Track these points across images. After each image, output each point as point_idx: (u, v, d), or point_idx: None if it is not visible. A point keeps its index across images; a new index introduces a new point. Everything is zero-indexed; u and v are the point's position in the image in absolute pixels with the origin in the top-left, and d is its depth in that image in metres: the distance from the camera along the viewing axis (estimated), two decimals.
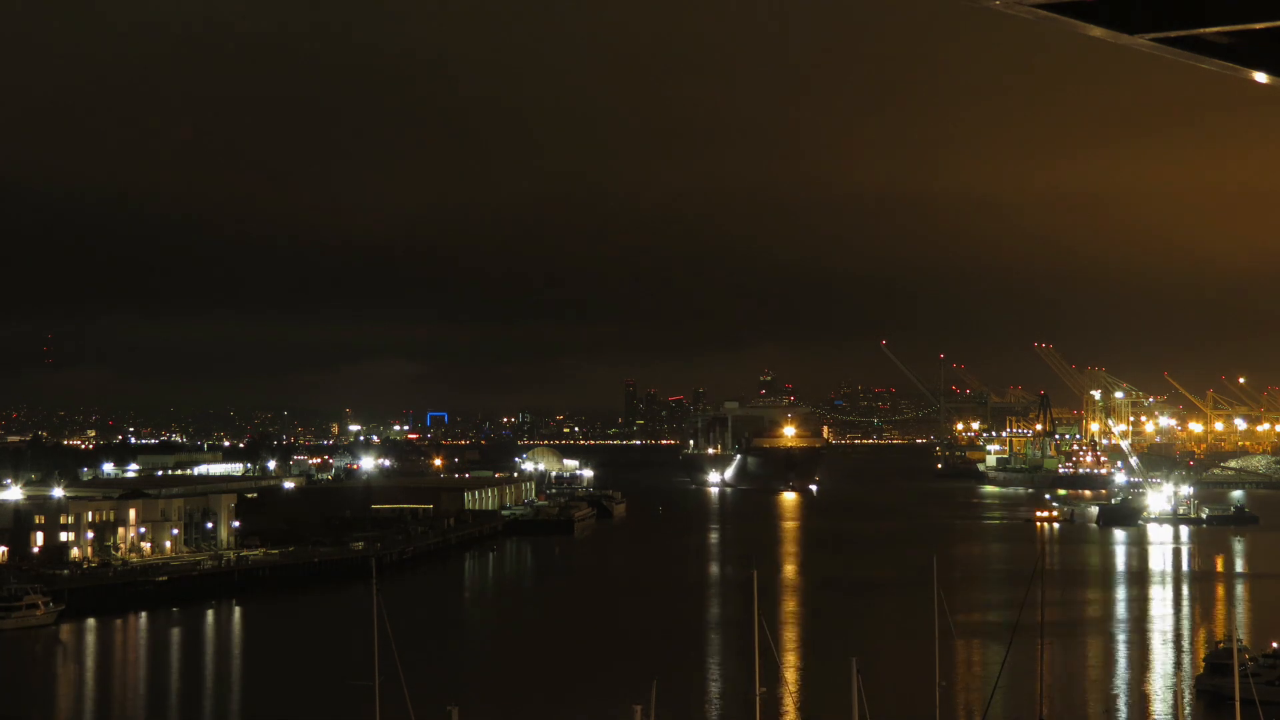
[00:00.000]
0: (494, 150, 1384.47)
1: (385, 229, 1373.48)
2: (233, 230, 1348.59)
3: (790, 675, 66.61)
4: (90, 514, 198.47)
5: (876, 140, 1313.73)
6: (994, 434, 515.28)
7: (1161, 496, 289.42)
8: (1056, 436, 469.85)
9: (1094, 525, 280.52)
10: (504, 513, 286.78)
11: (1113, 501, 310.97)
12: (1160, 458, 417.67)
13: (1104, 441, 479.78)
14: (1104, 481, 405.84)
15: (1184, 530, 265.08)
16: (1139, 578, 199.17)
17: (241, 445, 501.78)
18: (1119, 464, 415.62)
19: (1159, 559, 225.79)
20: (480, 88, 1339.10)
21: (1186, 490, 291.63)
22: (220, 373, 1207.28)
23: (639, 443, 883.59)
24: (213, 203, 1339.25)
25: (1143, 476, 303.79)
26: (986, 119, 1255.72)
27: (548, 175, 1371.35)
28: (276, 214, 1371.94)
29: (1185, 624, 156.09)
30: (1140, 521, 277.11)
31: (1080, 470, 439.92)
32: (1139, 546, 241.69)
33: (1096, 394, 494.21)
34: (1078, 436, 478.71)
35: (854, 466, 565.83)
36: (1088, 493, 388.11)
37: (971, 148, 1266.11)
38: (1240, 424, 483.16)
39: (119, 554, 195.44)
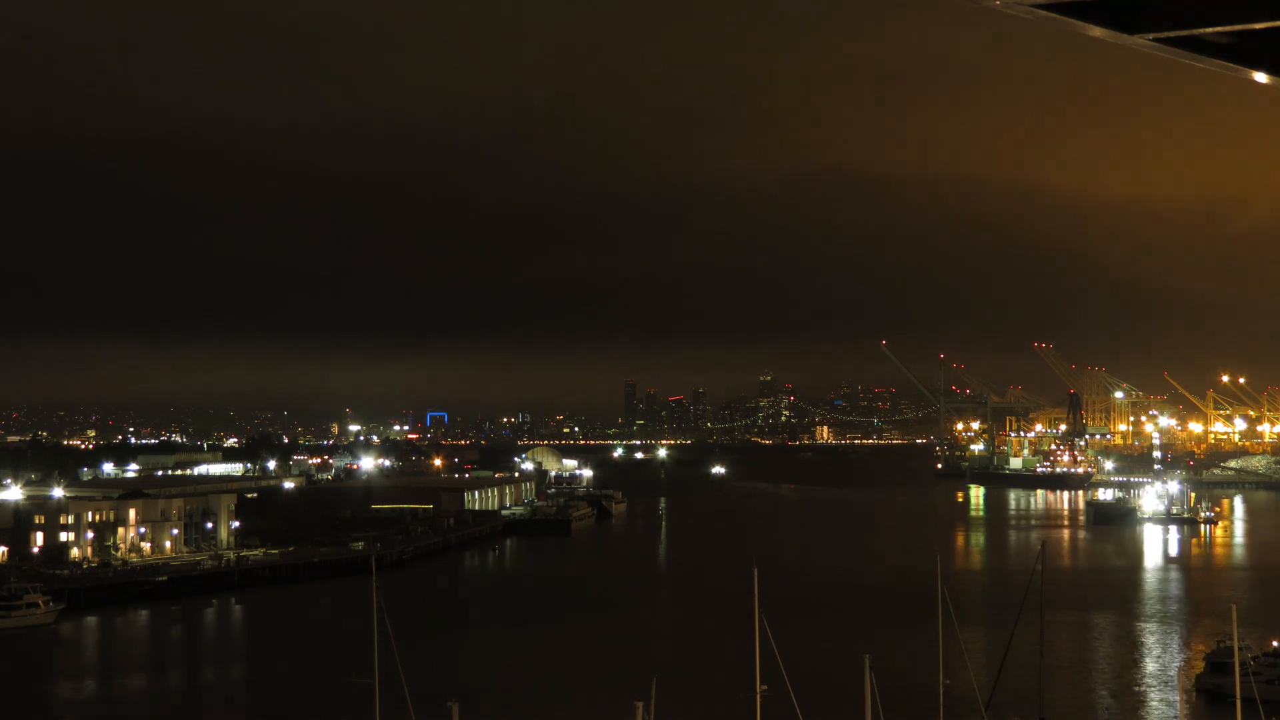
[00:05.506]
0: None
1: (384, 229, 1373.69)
2: (232, 229, 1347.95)
3: (792, 672, 66.54)
4: (90, 514, 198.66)
5: (877, 139, 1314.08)
6: (1021, 434, 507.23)
7: (1154, 496, 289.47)
8: (1087, 437, 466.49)
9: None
10: (504, 513, 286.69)
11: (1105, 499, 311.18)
12: (1145, 458, 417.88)
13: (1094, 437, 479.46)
14: (1082, 480, 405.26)
15: (1180, 529, 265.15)
16: (1137, 577, 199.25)
17: (241, 445, 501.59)
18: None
19: (1156, 558, 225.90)
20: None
21: (1176, 488, 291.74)
22: (220, 373, 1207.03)
23: (639, 442, 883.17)
24: (211, 202, 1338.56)
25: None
26: (977, 115, 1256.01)
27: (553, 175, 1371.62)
28: (275, 213, 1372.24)
29: (1185, 623, 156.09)
30: (1136, 521, 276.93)
31: (1058, 470, 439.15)
32: (1136, 546, 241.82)
33: (1119, 394, 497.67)
34: (1108, 436, 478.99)
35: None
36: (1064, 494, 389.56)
37: (971, 147, 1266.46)
38: (1240, 424, 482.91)
39: (119, 554, 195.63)
